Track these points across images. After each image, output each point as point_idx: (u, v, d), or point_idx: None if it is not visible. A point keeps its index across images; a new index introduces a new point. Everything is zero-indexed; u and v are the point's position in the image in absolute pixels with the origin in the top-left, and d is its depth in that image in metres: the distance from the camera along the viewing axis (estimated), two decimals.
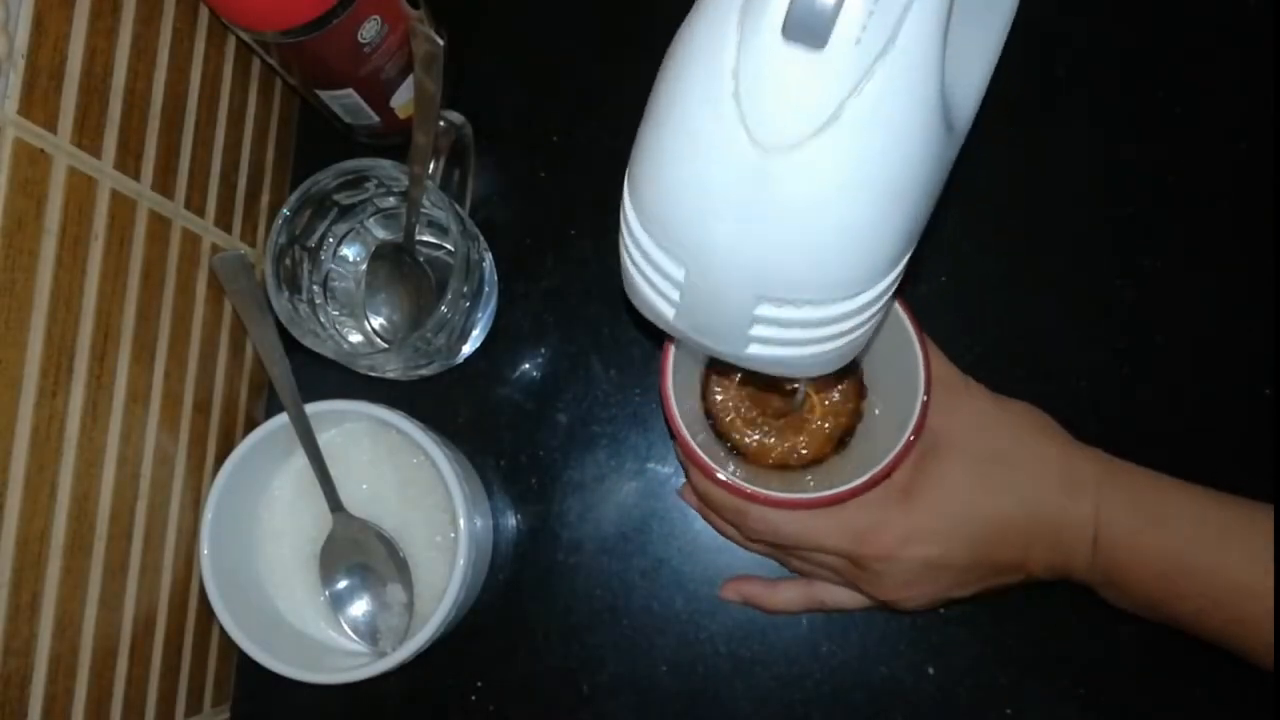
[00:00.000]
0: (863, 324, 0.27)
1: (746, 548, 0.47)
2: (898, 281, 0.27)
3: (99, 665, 0.40)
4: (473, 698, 0.50)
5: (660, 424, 0.51)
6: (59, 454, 0.37)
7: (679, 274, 0.27)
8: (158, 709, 0.45)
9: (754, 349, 0.28)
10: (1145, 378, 0.50)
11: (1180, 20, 0.53)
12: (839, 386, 0.46)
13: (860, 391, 0.45)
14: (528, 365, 0.52)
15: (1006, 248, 0.52)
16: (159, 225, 0.43)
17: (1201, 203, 0.51)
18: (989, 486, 0.40)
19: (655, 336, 0.49)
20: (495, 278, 0.52)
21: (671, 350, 0.41)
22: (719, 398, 0.46)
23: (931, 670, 0.48)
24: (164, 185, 0.43)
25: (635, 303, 0.31)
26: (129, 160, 0.40)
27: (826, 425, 0.45)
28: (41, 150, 0.35)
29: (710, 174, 0.23)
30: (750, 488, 0.39)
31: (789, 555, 0.45)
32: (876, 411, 0.44)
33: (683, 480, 0.51)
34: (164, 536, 0.45)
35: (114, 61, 0.39)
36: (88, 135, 0.38)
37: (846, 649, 0.49)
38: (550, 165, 0.54)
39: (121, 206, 0.40)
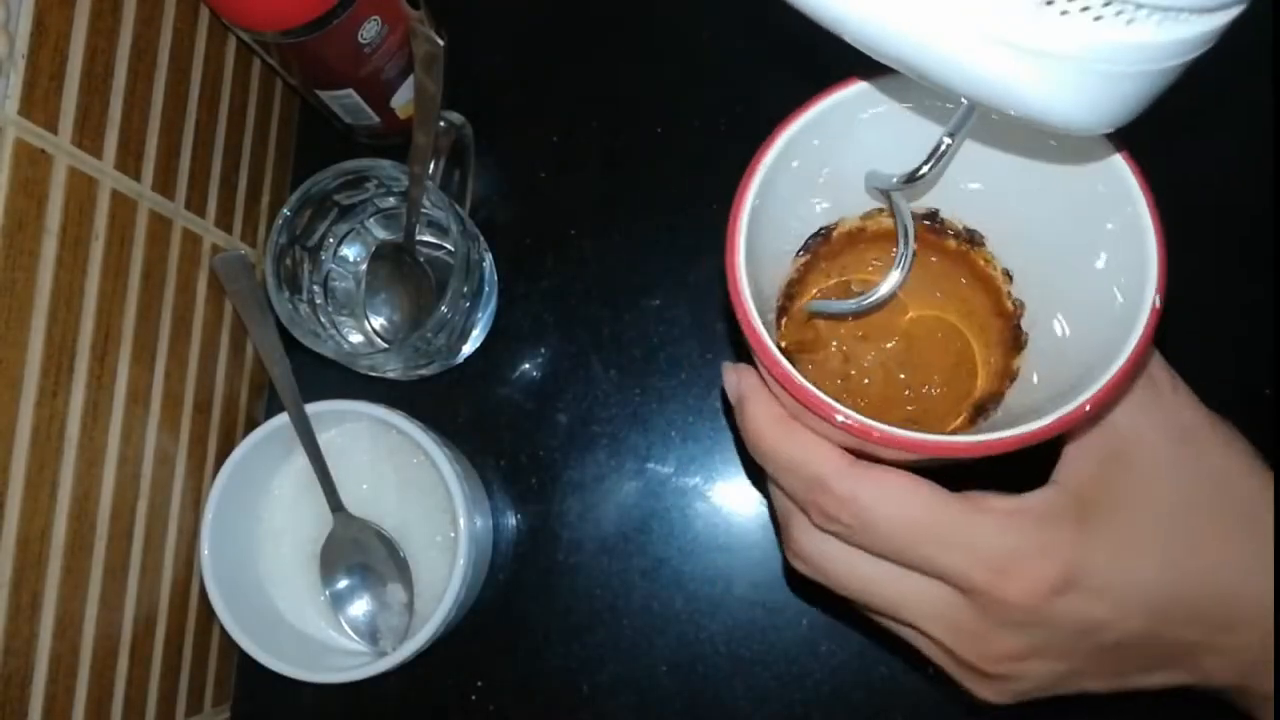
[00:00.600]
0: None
1: (790, 548, 0.30)
2: None
3: (99, 665, 0.41)
4: (473, 698, 0.50)
5: (661, 422, 0.51)
6: (59, 454, 0.37)
7: None
8: (158, 709, 0.45)
9: (1050, 21, 0.17)
10: None
11: None
12: (993, 317, 0.33)
13: (1016, 338, 0.32)
14: (528, 365, 0.52)
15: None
16: (159, 225, 0.43)
17: (1200, 202, 0.51)
18: (1208, 530, 0.26)
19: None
20: (495, 278, 0.52)
21: (753, 188, 0.28)
22: (808, 336, 0.34)
23: (931, 670, 0.48)
24: (164, 185, 0.43)
25: None
26: (129, 160, 0.41)
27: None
28: (42, 150, 0.35)
29: None
30: (873, 424, 0.25)
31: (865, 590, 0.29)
32: (1035, 378, 0.31)
33: (686, 476, 0.51)
34: (164, 536, 0.45)
35: (114, 61, 0.39)
36: (88, 135, 0.38)
37: (846, 649, 0.49)
38: (550, 165, 0.54)
39: (122, 206, 0.40)
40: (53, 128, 0.36)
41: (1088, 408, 0.25)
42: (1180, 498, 0.27)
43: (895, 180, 0.28)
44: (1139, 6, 0.18)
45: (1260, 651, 0.27)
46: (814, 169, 0.31)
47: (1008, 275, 0.33)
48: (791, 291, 0.34)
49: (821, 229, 0.34)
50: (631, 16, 0.55)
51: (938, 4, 0.18)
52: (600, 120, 0.54)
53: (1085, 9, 0.18)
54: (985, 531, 0.26)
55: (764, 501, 0.50)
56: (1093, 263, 0.29)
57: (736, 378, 0.30)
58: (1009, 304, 0.33)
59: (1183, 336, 0.50)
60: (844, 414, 0.25)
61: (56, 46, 0.36)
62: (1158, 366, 0.30)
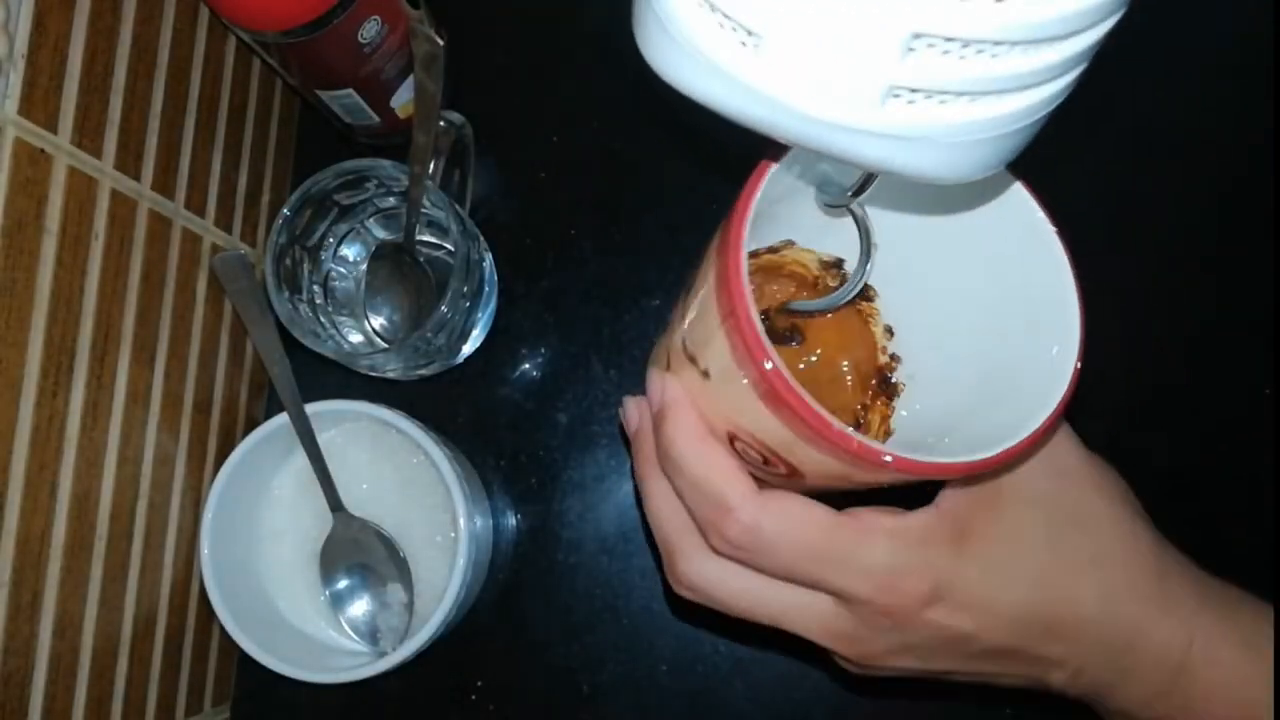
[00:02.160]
0: (1057, 73, 0.19)
1: (675, 576, 0.31)
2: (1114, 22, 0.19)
3: (99, 664, 0.41)
4: (473, 698, 0.50)
5: None
6: (59, 454, 0.37)
7: None
8: (158, 708, 0.45)
9: (894, 109, 0.18)
10: (1145, 378, 0.50)
11: (1176, 18, 0.53)
12: (842, 320, 0.35)
13: (872, 330, 0.35)
14: (528, 365, 0.52)
15: None
16: (159, 225, 0.43)
17: (1200, 202, 0.51)
18: (1069, 560, 0.29)
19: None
20: (495, 278, 0.52)
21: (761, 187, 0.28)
22: None
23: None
24: (164, 185, 0.43)
25: (668, 56, 0.20)
26: (129, 160, 0.41)
27: (846, 374, 0.34)
28: (42, 150, 0.35)
29: None
30: (873, 444, 0.25)
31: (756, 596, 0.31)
32: (911, 370, 0.34)
33: None
34: (164, 536, 0.45)
35: (114, 61, 0.39)
36: (88, 135, 0.38)
37: None
38: (550, 165, 0.54)
39: (122, 206, 0.40)
40: (52, 127, 0.36)
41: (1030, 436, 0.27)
42: (1046, 531, 0.29)
43: (848, 193, 0.29)
44: (960, 94, 0.18)
45: (1102, 674, 0.30)
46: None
47: (889, 331, 0.36)
48: None
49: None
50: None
51: (811, 106, 0.19)
52: (600, 120, 0.54)
53: (928, 97, 0.18)
54: (872, 551, 0.28)
55: None
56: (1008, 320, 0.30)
57: (661, 386, 0.30)
58: (883, 357, 0.35)
59: (1183, 337, 0.50)
60: (859, 439, 0.25)
61: (56, 46, 0.36)
62: None
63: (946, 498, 0.30)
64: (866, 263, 0.31)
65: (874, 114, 0.18)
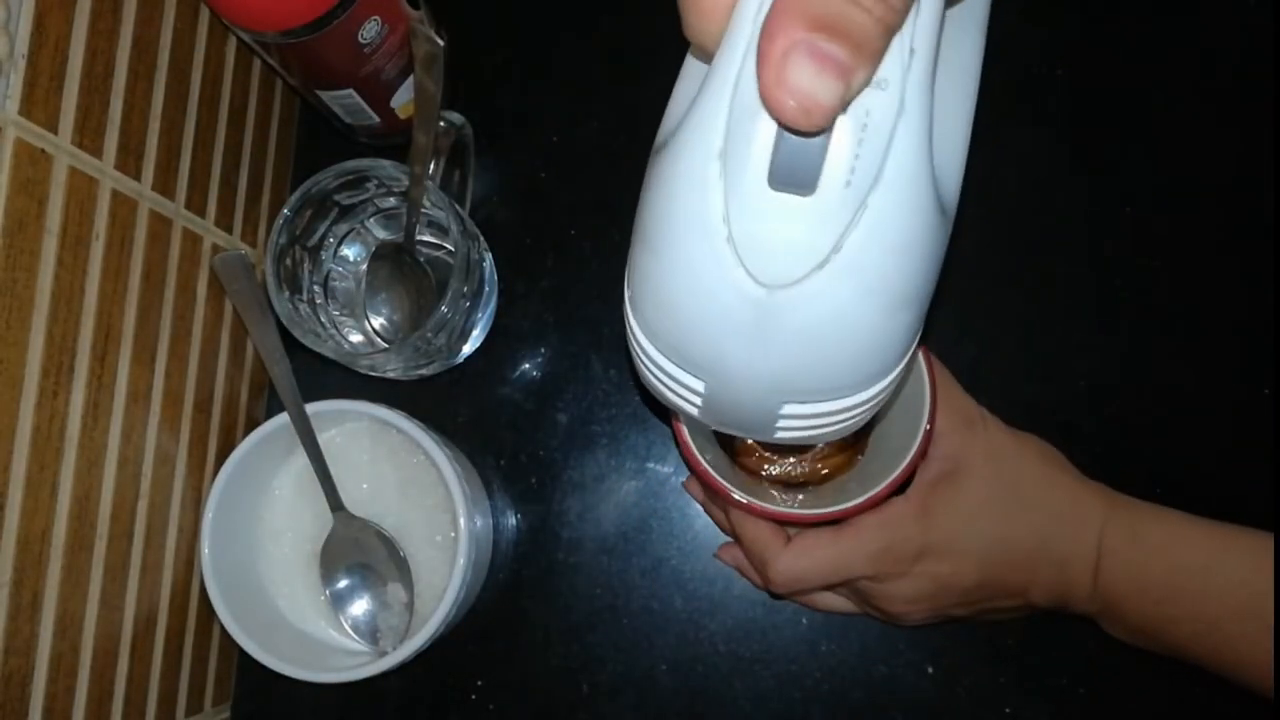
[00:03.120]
0: (888, 396, 0.28)
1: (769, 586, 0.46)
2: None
3: (100, 664, 0.41)
4: (473, 698, 0.50)
5: (661, 422, 0.51)
6: (60, 454, 0.37)
7: (698, 385, 0.27)
8: (158, 708, 0.45)
9: (781, 435, 0.28)
10: (1145, 378, 0.50)
11: (1178, 17, 0.53)
12: None
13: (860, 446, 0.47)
14: (528, 365, 0.52)
15: (1005, 248, 0.52)
16: (160, 225, 0.43)
17: (1201, 202, 0.51)
18: (1001, 512, 0.42)
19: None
20: (495, 278, 0.52)
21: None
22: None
23: (931, 670, 0.48)
24: (164, 185, 0.43)
25: (655, 395, 0.31)
26: (130, 160, 0.41)
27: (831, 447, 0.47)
28: (42, 150, 0.35)
29: (715, 309, 0.23)
30: (779, 509, 0.40)
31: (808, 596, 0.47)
32: (889, 432, 0.45)
33: (684, 477, 0.51)
34: (164, 536, 0.45)
35: (114, 62, 0.39)
36: (89, 135, 0.38)
37: (846, 648, 0.49)
38: (550, 165, 0.54)
39: (122, 207, 0.40)
40: (53, 128, 0.36)
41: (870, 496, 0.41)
42: (988, 496, 0.42)
43: None
44: (811, 429, 0.28)
45: (1056, 586, 0.42)
46: None
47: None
48: None
49: None
50: (632, 16, 0.55)
51: (720, 423, 0.29)
52: (600, 120, 0.54)
53: (797, 419, 0.27)
54: (869, 543, 0.41)
55: None
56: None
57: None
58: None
59: (1183, 337, 0.50)
60: (740, 495, 0.41)
61: (57, 47, 0.36)
62: (973, 410, 0.43)
63: (915, 489, 0.42)
64: None
65: (771, 433, 0.28)
